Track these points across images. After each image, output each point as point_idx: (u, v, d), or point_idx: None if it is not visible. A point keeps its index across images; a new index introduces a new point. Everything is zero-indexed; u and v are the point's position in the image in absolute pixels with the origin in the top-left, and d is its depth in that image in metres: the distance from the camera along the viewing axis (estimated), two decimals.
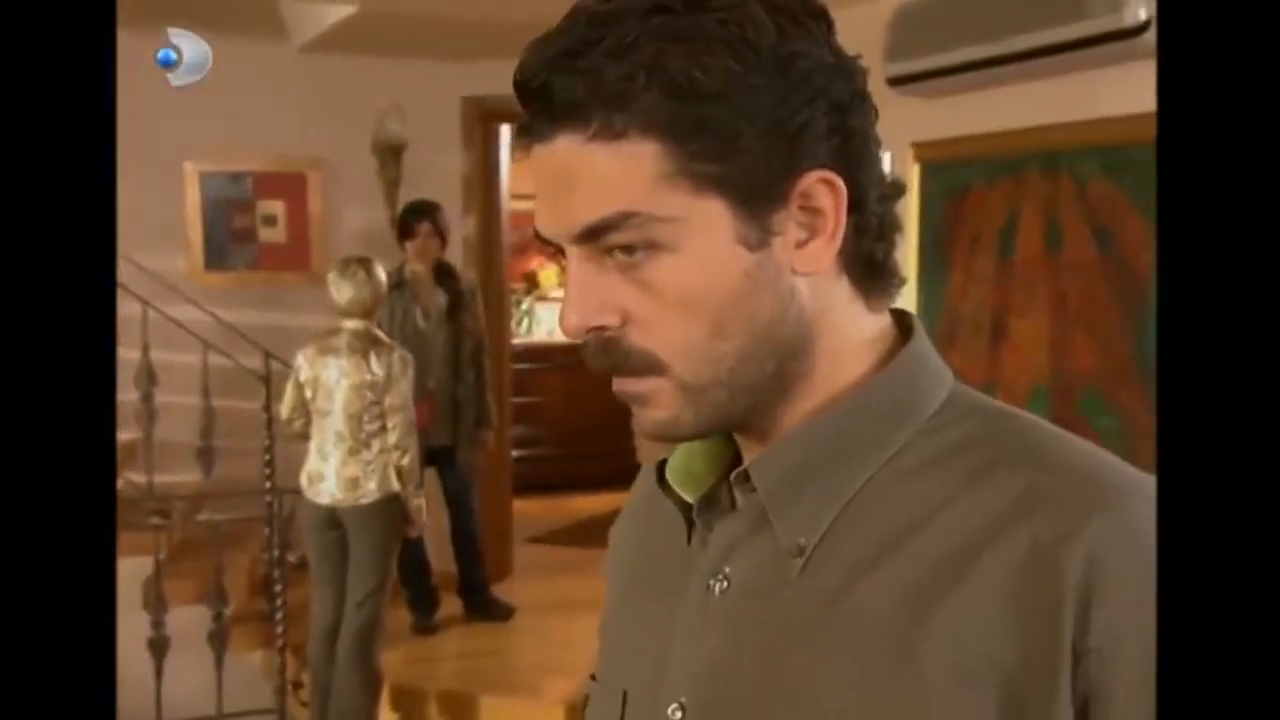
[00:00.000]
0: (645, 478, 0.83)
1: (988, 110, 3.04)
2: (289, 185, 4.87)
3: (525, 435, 6.51)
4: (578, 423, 6.94)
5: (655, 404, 0.70)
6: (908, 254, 3.25)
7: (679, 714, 0.71)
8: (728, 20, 0.64)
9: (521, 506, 5.71)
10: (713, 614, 0.71)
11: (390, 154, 4.84)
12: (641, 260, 0.66)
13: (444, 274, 4.54)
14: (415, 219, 4.46)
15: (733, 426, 0.73)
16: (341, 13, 4.11)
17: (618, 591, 0.85)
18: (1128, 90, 2.65)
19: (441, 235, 4.49)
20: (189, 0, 2.22)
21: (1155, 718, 0.60)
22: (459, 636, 4.64)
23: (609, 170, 0.65)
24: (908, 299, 3.24)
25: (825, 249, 0.68)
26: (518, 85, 0.67)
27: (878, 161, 0.70)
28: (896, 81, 3.08)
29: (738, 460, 0.75)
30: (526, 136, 0.68)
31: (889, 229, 0.71)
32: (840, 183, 0.67)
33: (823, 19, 0.68)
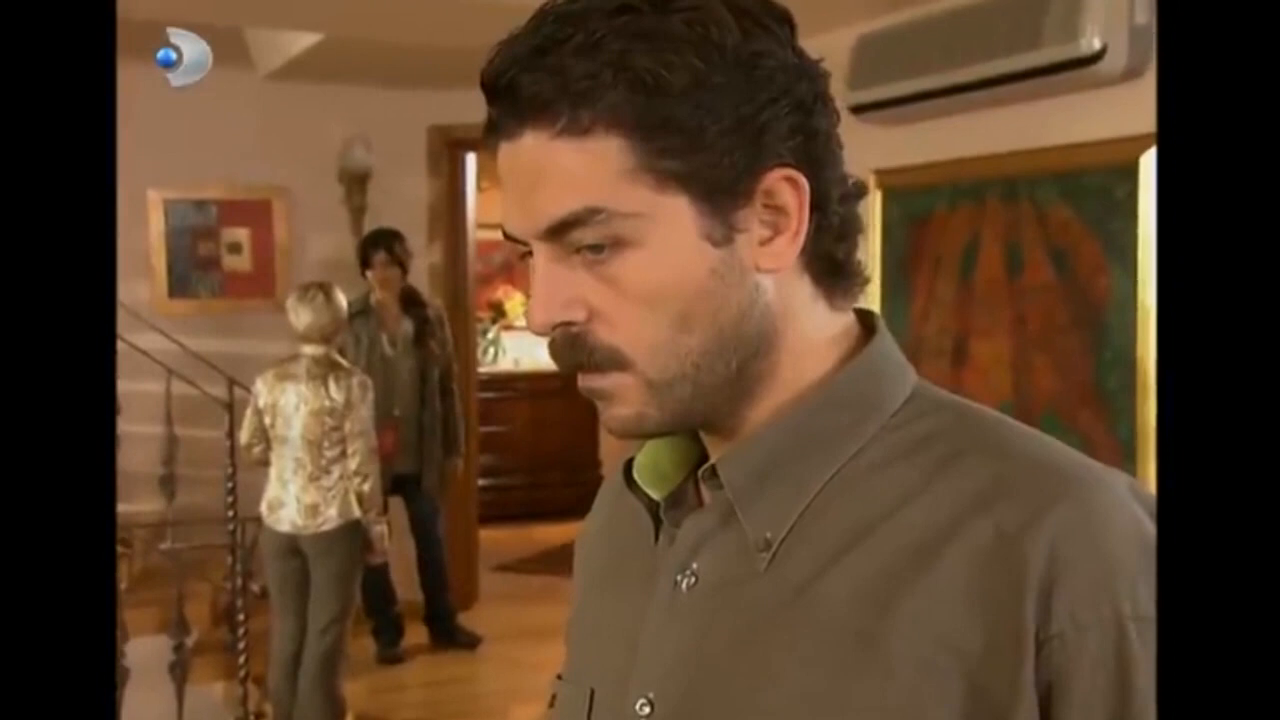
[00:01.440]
0: (611, 480, 0.84)
1: (948, 137, 3.08)
2: (254, 213, 4.87)
3: (491, 464, 6.49)
4: (544, 451, 6.94)
5: (620, 400, 0.70)
6: (871, 279, 3.28)
7: (646, 709, 0.71)
8: (693, 20, 0.65)
9: (488, 535, 5.69)
10: (681, 609, 0.72)
11: (356, 182, 4.85)
12: (607, 256, 0.67)
13: (410, 301, 4.54)
14: (372, 249, 4.47)
15: (698, 424, 0.74)
16: (307, 41, 4.11)
17: (584, 592, 0.85)
18: (1083, 117, 2.70)
19: (400, 264, 4.48)
20: (154, 28, 2.22)
21: (1116, 704, 0.62)
22: (424, 665, 4.60)
23: (575, 166, 0.66)
24: None
25: (788, 247, 0.69)
26: (485, 83, 0.68)
27: (840, 162, 0.72)
28: (859, 109, 3.12)
29: (704, 458, 0.76)
30: (493, 134, 0.69)
31: (851, 229, 0.73)
32: (803, 180, 0.68)
33: (786, 22, 0.70)
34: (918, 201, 3.19)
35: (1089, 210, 2.68)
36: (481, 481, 5.79)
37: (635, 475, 0.77)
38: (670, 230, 0.67)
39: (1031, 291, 2.85)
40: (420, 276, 5.01)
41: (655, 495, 0.76)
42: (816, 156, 0.69)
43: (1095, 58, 2.53)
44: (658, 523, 0.76)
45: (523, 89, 0.66)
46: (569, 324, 0.69)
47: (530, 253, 0.70)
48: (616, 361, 0.69)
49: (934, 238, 3.14)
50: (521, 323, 7.43)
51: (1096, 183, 2.66)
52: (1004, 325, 2.93)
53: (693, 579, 0.72)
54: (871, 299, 3.46)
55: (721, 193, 0.67)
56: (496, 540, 5.97)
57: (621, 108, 0.65)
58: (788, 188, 0.68)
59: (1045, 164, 2.80)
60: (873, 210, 3.30)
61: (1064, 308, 2.77)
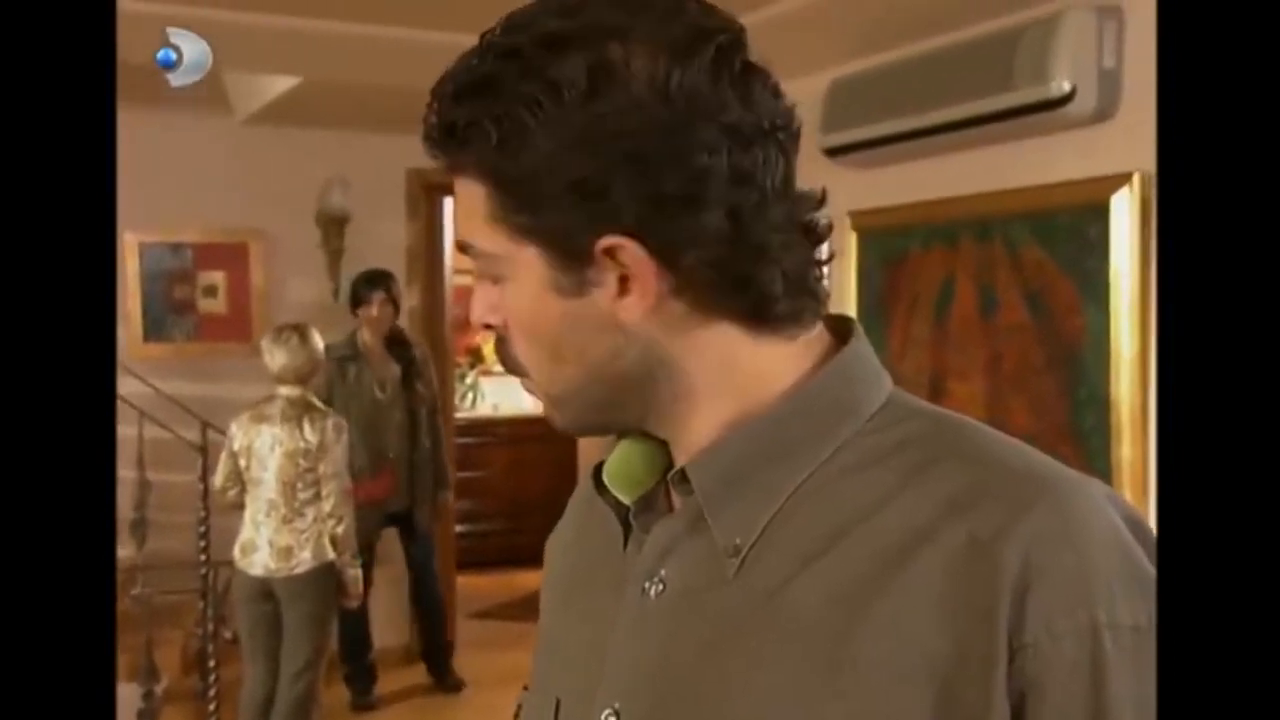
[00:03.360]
0: (583, 486, 0.83)
1: (921, 179, 3.11)
2: (230, 256, 4.85)
3: (470, 510, 6.44)
4: (523, 497, 6.88)
5: (538, 399, 0.76)
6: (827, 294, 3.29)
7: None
8: (546, 78, 0.65)
9: (466, 581, 5.63)
10: (648, 617, 0.71)
11: (333, 225, 4.84)
12: (497, 283, 0.72)
13: (396, 342, 4.57)
14: (369, 288, 4.50)
15: (622, 430, 0.76)
16: (284, 85, 4.12)
17: (552, 601, 0.84)
18: (1054, 159, 2.73)
19: (395, 304, 4.54)
20: (130, 70, 2.22)
21: (1090, 714, 0.61)
22: (400, 712, 4.54)
23: (463, 201, 0.71)
24: None
25: (638, 302, 0.69)
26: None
27: (715, 203, 0.67)
28: (832, 152, 3.15)
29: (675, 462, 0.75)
30: None
31: (764, 254, 0.69)
32: (633, 246, 0.67)
33: (710, 43, 0.67)
34: (892, 243, 3.21)
35: (1061, 250, 2.71)
36: (459, 527, 5.74)
37: (605, 479, 0.77)
38: (524, 277, 0.70)
39: (1006, 331, 2.87)
40: (400, 319, 5.00)
41: (625, 500, 0.76)
42: (670, 213, 0.67)
43: (1065, 100, 2.56)
44: (627, 529, 0.75)
45: (428, 120, 0.70)
46: (492, 327, 0.74)
47: None
48: (521, 370, 0.74)
49: (909, 278, 3.16)
50: (500, 368, 7.39)
51: (1068, 223, 2.69)
52: (979, 365, 2.95)
53: (661, 586, 0.71)
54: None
55: (563, 251, 0.69)
56: (475, 586, 5.92)
57: (480, 159, 0.68)
58: (627, 250, 0.68)
59: (1017, 204, 2.82)
60: (848, 252, 3.32)
61: (1039, 348, 2.78)
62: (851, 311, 3.28)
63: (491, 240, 0.70)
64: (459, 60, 0.70)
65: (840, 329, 0.75)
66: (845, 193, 3.27)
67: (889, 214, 3.20)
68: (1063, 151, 2.70)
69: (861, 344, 0.74)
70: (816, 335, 0.74)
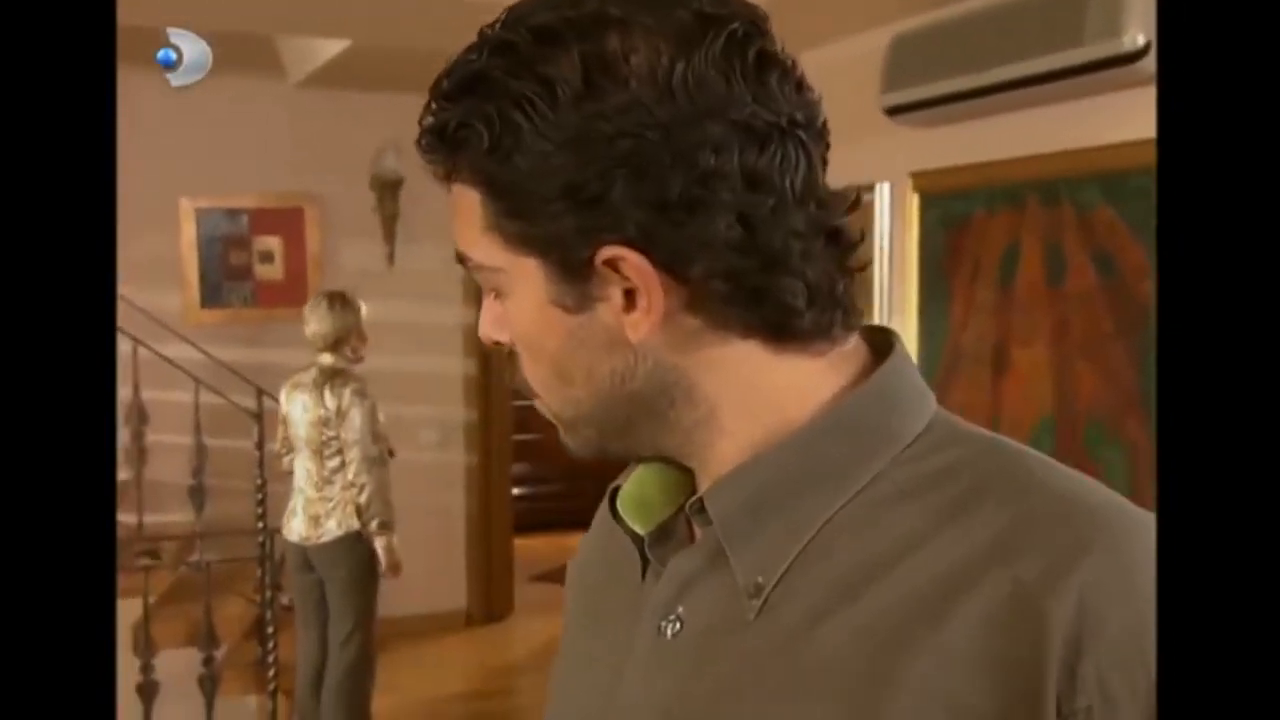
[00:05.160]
0: (606, 503, 0.77)
1: (987, 138, 3.01)
2: (286, 221, 4.86)
3: (526, 473, 6.45)
4: (579, 460, 6.88)
5: (550, 420, 0.70)
6: (908, 285, 3.21)
7: None
8: (540, 75, 0.60)
9: (523, 544, 5.65)
10: (664, 658, 0.66)
11: (388, 189, 4.84)
12: (501, 297, 0.67)
13: None
14: None
15: (637, 456, 0.71)
16: (335, 48, 4.10)
17: (571, 627, 0.79)
18: (1127, 116, 2.62)
19: None
20: None
21: None
22: (460, 677, 4.57)
23: (459, 209, 0.66)
24: (909, 330, 3.20)
25: (644, 318, 0.63)
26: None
27: (726, 207, 0.61)
28: (894, 111, 3.05)
29: (696, 488, 0.69)
30: None
31: (762, 284, 0.63)
32: (636, 257, 0.61)
33: (719, 32, 0.61)
34: (955, 205, 3.11)
35: (1134, 212, 2.60)
36: (516, 490, 5.75)
37: (620, 507, 0.71)
38: (525, 291, 0.65)
39: (1074, 297, 2.76)
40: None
41: (639, 529, 0.70)
42: (675, 220, 0.61)
43: (1138, 55, 2.44)
44: (645, 558, 0.70)
45: (423, 123, 0.65)
46: (501, 343, 0.69)
47: None
48: (530, 390, 0.69)
49: (973, 242, 3.06)
50: None
51: (1141, 184, 2.57)
52: (1045, 332, 2.85)
53: (678, 624, 0.66)
54: (909, 304, 3.39)
55: (562, 263, 0.63)
56: (532, 549, 5.94)
57: (475, 163, 0.63)
58: (630, 261, 0.61)
59: (1087, 165, 2.71)
60: (909, 214, 3.23)
61: (1108, 313, 2.68)
62: (912, 276, 3.19)
63: (488, 252, 0.64)
64: (458, 56, 0.64)
65: (879, 343, 0.68)
66: (907, 153, 3.18)
67: (952, 175, 3.10)
68: (1135, 109, 2.58)
69: (902, 360, 0.67)
70: (851, 350, 0.67)
